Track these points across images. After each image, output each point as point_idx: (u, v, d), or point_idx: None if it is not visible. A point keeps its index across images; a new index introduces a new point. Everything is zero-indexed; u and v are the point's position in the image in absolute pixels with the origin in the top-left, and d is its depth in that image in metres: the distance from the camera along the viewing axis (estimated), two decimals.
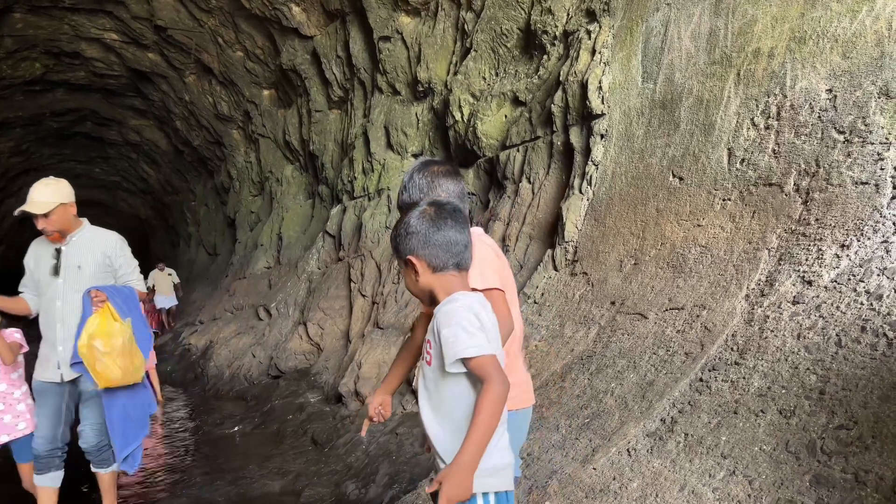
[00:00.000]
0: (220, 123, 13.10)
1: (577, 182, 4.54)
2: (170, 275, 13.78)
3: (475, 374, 1.62)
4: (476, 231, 2.04)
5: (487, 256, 2.02)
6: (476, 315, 1.65)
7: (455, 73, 6.61)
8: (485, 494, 1.65)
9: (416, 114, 7.50)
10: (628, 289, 3.53)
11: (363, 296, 7.39)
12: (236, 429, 6.49)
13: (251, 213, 13.16)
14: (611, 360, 3.11)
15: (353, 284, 7.68)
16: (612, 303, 3.57)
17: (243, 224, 13.40)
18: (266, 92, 11.56)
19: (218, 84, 12.09)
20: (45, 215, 3.59)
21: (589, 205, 4.32)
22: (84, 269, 3.70)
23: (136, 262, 3.94)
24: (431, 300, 1.78)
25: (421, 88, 7.28)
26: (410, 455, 4.39)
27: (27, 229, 23.46)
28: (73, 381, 3.65)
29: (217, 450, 5.88)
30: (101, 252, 3.76)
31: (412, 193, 2.08)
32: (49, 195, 3.63)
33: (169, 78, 12.64)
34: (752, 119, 3.22)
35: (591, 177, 4.38)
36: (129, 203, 23.12)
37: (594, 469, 2.47)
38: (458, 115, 6.46)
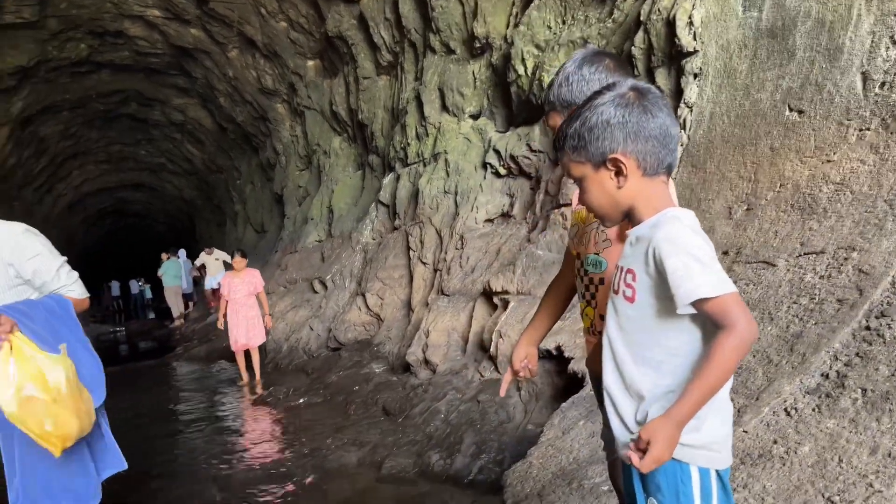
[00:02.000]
0: (264, 98, 12.93)
1: None
2: (217, 259, 13.75)
3: (711, 318, 1.24)
4: None
5: None
6: (705, 239, 1.29)
7: (516, 25, 6.25)
8: (703, 470, 1.31)
9: (473, 72, 7.17)
10: (743, 236, 3.20)
11: (424, 263, 7.15)
12: (302, 401, 6.34)
13: (299, 188, 13.00)
14: None
15: (412, 252, 7.45)
16: (725, 252, 3.24)
17: (291, 199, 13.26)
18: (311, 62, 11.31)
19: (261, 57, 11.89)
20: None
21: (684, 150, 3.97)
22: None
23: (60, 260, 2.66)
24: (623, 217, 1.40)
25: (478, 45, 6.93)
26: (496, 423, 4.15)
27: (77, 213, 23.84)
28: None
29: (287, 422, 5.75)
30: (2, 259, 2.48)
31: (576, 89, 1.66)
32: None
33: (212, 53, 12.48)
34: (891, 37, 2.84)
35: (684, 120, 4.02)
36: (174, 184, 23.24)
37: (745, 432, 2.18)
38: (521, 69, 6.12)
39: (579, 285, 1.80)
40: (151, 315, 21.06)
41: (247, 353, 7.64)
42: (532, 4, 6.01)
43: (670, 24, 4.21)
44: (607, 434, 1.63)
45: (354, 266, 8.85)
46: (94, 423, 2.51)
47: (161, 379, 8.95)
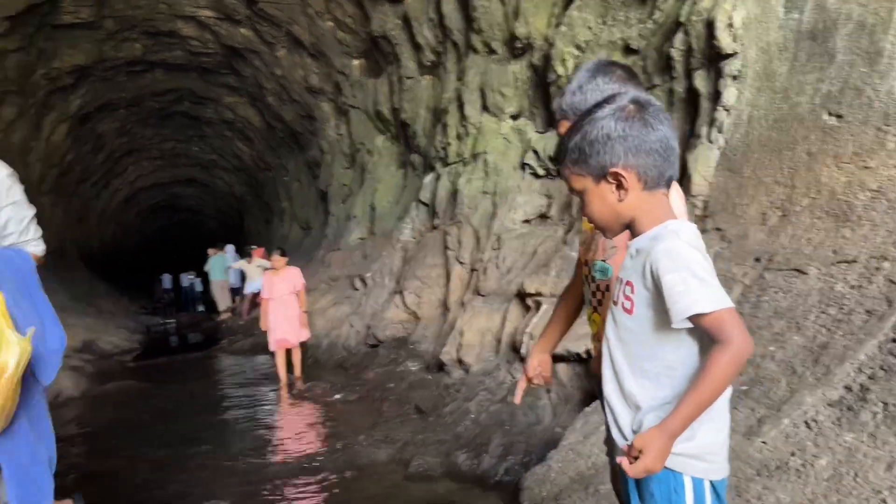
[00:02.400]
0: (310, 96, 13.13)
1: (704, 130, 4.13)
2: (258, 266, 13.81)
3: (708, 333, 1.25)
4: None
5: None
6: (703, 254, 1.29)
7: (557, 25, 6.23)
8: (697, 480, 1.32)
9: (514, 72, 7.17)
10: (776, 243, 3.14)
11: (461, 263, 7.18)
12: (338, 397, 6.45)
13: (343, 186, 13.17)
14: (765, 322, 2.75)
15: (449, 252, 7.48)
16: (757, 259, 3.19)
17: (335, 197, 13.44)
18: (356, 62, 11.44)
19: (308, 56, 12.08)
20: None
21: (720, 154, 3.91)
22: None
23: (32, 211, 2.47)
24: (624, 229, 1.41)
25: (519, 45, 6.92)
26: (525, 425, 4.16)
27: (132, 208, 24.60)
28: None
29: (323, 417, 5.85)
30: None
31: (590, 98, 1.64)
32: None
33: (261, 53, 12.74)
34: None
35: (721, 124, 3.96)
36: (224, 181, 23.78)
37: (764, 443, 2.15)
38: (560, 70, 6.09)
39: (586, 291, 1.80)
40: (201, 308, 21.53)
41: (288, 352, 7.57)
42: (573, 5, 5.98)
43: (710, 26, 4.15)
44: (610, 440, 1.63)
45: (394, 264, 8.94)
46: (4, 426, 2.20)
47: (205, 371, 9.19)
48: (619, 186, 1.36)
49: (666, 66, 4.73)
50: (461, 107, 7.93)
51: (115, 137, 17.06)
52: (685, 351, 1.32)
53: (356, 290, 9.66)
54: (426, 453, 4.36)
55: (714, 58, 4.13)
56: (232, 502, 3.90)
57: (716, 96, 4.09)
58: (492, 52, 7.46)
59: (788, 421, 2.16)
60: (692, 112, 4.41)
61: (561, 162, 1.44)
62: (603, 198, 1.39)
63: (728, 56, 3.99)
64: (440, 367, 6.02)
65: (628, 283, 1.39)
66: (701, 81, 4.27)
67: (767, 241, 3.22)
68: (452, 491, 3.83)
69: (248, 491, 4.12)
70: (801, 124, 3.33)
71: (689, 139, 4.34)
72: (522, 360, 4.82)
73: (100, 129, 15.83)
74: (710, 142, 4.00)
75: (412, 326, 7.63)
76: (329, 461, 4.54)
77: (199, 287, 23.77)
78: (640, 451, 1.24)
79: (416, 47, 9.22)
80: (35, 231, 2.46)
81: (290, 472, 4.39)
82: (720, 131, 3.95)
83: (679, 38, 4.52)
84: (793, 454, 2.04)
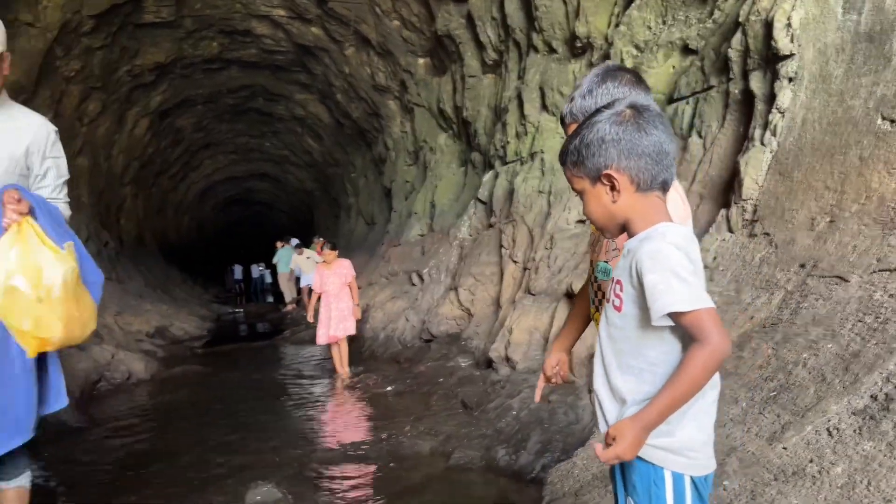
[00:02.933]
0: (377, 94, 13.38)
1: (757, 133, 4.04)
2: (308, 258, 14.10)
3: (687, 331, 1.30)
4: None
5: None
6: (688, 256, 1.33)
7: (617, 25, 6.19)
8: (677, 475, 1.36)
9: (573, 72, 7.14)
10: (822, 249, 3.07)
11: (514, 262, 7.21)
12: (389, 388, 6.59)
13: (406, 183, 13.37)
14: (801, 329, 2.70)
15: (503, 250, 7.53)
16: (802, 265, 3.12)
17: (399, 193, 13.67)
18: (421, 60, 11.60)
19: (375, 55, 12.31)
20: None
21: (773, 158, 3.83)
22: None
23: (67, 175, 2.57)
24: (621, 230, 1.45)
25: (579, 45, 6.90)
26: (564, 424, 4.18)
27: (208, 200, 25.56)
28: None
29: (372, 407, 6.01)
30: (25, 143, 2.38)
31: (600, 102, 1.67)
32: None
33: (330, 51, 13.06)
34: None
35: (775, 126, 3.87)
36: (296, 176, 24.42)
37: (784, 448, 2.13)
38: None
39: (590, 291, 1.84)
40: (270, 299, 22.21)
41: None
42: (633, 4, 5.92)
43: (768, 26, 4.06)
44: None
45: (450, 261, 9.04)
46: (88, 333, 2.31)
47: (266, 359, 9.54)
48: (613, 188, 1.41)
49: (723, 66, 4.65)
50: (521, 105, 7.96)
51: (193, 132, 17.79)
52: (667, 348, 1.36)
53: (413, 285, 9.82)
54: (468, 447, 4.43)
55: (771, 59, 4.04)
56: (278, 484, 4.07)
57: (771, 98, 4.00)
58: (552, 51, 7.46)
59: (811, 428, 2.13)
60: (747, 114, 4.33)
61: (563, 163, 1.49)
62: (598, 199, 1.44)
63: (785, 57, 3.90)
64: (489, 363, 6.08)
65: (618, 281, 1.44)
66: (757, 83, 4.18)
67: (814, 247, 3.15)
68: (489, 484, 3.90)
69: (295, 474, 4.29)
70: (855, 128, 3.24)
71: (743, 142, 4.27)
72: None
73: (178, 123, 16.54)
74: (763, 144, 3.92)
75: (465, 323, 7.71)
76: (373, 450, 4.67)
77: (268, 278, 24.54)
78: (614, 439, 1.30)
79: (479, 46, 9.29)
80: (66, 196, 2.56)
81: (335, 459, 4.54)
82: (773, 134, 3.86)
83: (737, 39, 4.43)
84: (811, 461, 2.02)
